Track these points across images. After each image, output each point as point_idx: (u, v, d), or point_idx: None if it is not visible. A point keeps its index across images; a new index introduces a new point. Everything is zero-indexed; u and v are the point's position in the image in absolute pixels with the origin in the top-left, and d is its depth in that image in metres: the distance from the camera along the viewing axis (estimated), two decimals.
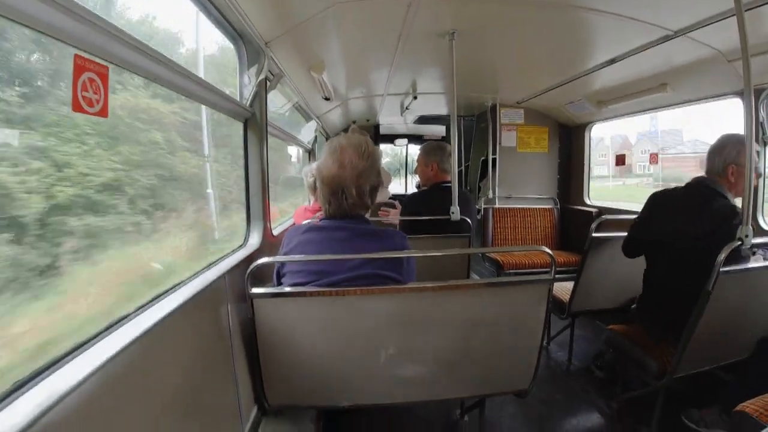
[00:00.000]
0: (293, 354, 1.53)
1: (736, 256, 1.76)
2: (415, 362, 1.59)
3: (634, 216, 2.37)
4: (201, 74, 1.80)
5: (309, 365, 1.55)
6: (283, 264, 1.59)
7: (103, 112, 0.96)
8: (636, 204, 4.32)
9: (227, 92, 1.80)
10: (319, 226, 1.58)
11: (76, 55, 0.90)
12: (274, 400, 1.61)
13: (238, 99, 2.00)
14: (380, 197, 1.76)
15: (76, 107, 0.90)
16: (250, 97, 2.03)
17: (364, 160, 1.51)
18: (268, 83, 2.17)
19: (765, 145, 2.56)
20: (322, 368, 1.56)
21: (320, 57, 2.61)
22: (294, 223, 2.76)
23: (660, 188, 2.29)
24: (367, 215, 1.65)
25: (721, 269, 1.72)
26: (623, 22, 2.09)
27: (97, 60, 0.95)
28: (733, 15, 1.78)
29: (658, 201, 2.22)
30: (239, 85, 2.05)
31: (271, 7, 1.82)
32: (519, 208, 4.58)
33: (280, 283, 1.59)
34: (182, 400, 1.20)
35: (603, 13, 2.03)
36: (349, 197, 1.51)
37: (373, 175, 1.54)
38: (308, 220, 1.96)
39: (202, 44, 2.33)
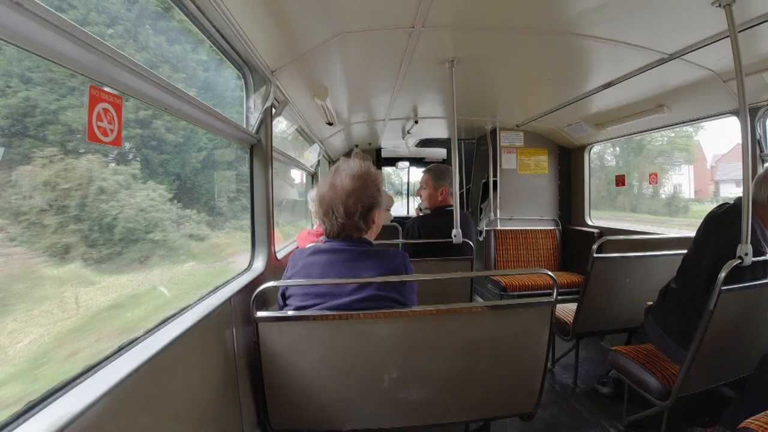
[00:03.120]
0: (297, 377, 1.53)
1: (738, 274, 1.77)
2: (418, 386, 1.58)
3: (636, 236, 2.37)
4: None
5: (312, 389, 1.55)
6: (287, 286, 1.61)
7: (116, 142, 0.99)
8: (642, 225, 4.35)
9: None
10: (323, 249, 1.61)
11: (91, 86, 0.94)
12: (277, 423, 1.60)
13: (243, 126, 2.04)
14: (383, 220, 1.78)
15: (91, 137, 0.93)
16: (256, 124, 2.08)
17: (354, 181, 1.56)
18: (274, 110, 2.22)
19: (763, 163, 2.59)
20: (326, 392, 1.56)
21: (324, 84, 2.67)
22: (297, 246, 2.77)
23: None
24: (366, 235, 1.65)
25: (722, 288, 1.73)
26: (619, 46, 2.15)
27: (111, 90, 0.99)
28: (726, 36, 1.82)
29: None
30: (245, 113, 2.10)
31: (277, 37, 1.88)
32: (521, 230, 4.60)
33: (285, 305, 1.61)
34: (187, 422, 1.20)
35: (599, 39, 2.08)
36: (338, 216, 1.55)
37: (365, 197, 1.57)
38: (313, 244, 1.98)
39: None
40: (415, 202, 7.45)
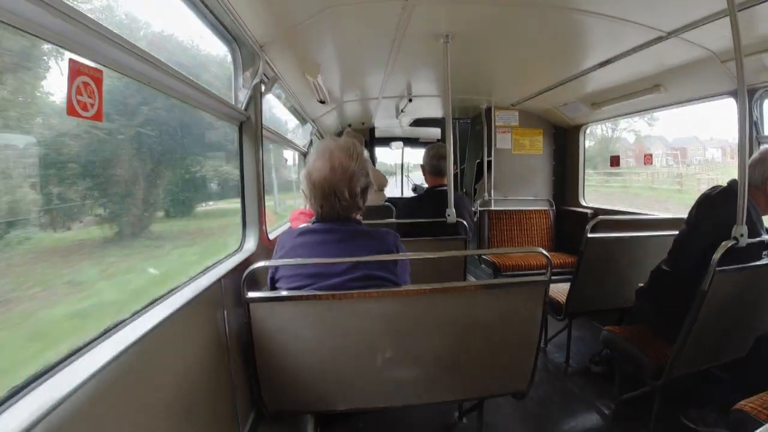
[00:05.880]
0: (290, 358, 1.52)
1: (733, 256, 1.77)
2: (412, 365, 1.58)
3: (629, 216, 2.35)
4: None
5: (306, 369, 1.54)
6: (276, 269, 1.58)
7: (97, 117, 0.95)
8: (630, 205, 4.35)
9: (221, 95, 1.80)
10: (312, 230, 1.58)
11: (70, 59, 0.90)
12: (272, 404, 1.60)
13: (232, 102, 1.99)
14: (377, 200, 1.77)
15: (71, 111, 0.89)
16: (245, 101, 2.03)
17: (354, 161, 1.53)
18: (263, 86, 2.16)
19: (759, 145, 2.58)
20: (319, 372, 1.55)
21: (315, 60, 2.61)
22: (290, 227, 2.75)
23: None
24: (359, 216, 1.65)
25: (717, 268, 1.72)
26: (616, 23, 2.10)
27: (92, 64, 0.95)
28: (726, 15, 1.79)
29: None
30: (234, 89, 2.04)
31: (265, 9, 1.82)
32: (515, 210, 4.59)
33: (274, 289, 1.58)
34: (179, 405, 1.19)
35: (596, 15, 2.04)
36: (342, 199, 1.51)
37: (363, 177, 1.56)
38: (303, 224, 1.96)
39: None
40: (409, 183, 7.42)
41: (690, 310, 1.82)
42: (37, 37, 0.84)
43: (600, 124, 4.27)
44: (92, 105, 0.94)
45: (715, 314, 1.84)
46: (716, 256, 1.72)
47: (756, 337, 1.98)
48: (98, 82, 0.96)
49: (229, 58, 2.04)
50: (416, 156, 8.55)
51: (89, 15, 0.92)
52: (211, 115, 1.85)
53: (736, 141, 1.79)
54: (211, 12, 1.66)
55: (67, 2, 0.84)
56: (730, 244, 1.73)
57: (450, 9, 2.04)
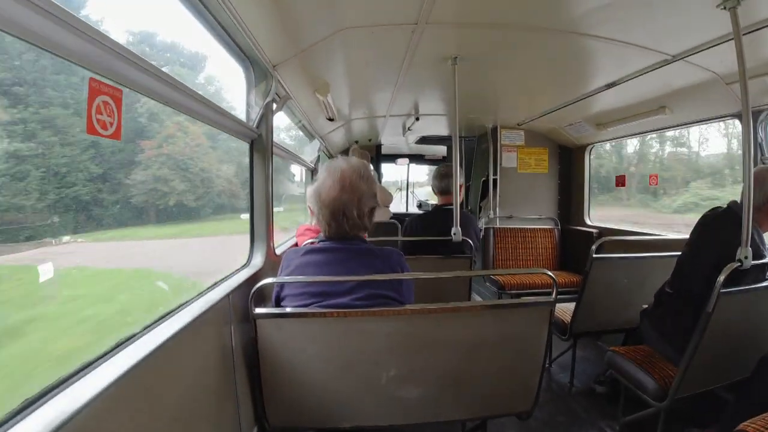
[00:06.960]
0: (295, 374, 1.53)
1: (737, 277, 1.77)
2: (416, 383, 1.58)
3: (635, 237, 2.36)
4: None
5: (310, 386, 1.55)
6: (281, 288, 1.59)
7: (116, 135, 0.98)
8: (636, 226, 4.34)
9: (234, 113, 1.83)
10: (318, 249, 1.59)
11: (91, 79, 0.93)
12: (275, 420, 1.60)
13: (244, 120, 2.03)
14: (382, 217, 1.79)
15: (90, 130, 0.92)
16: (257, 119, 2.06)
17: (364, 182, 1.56)
18: (275, 105, 2.20)
19: None
20: (323, 389, 1.56)
21: (325, 79, 2.66)
22: (296, 243, 2.76)
23: None
24: (364, 234, 1.67)
25: (721, 290, 1.73)
26: (622, 47, 2.13)
27: (111, 83, 0.98)
28: (730, 39, 1.81)
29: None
30: (246, 107, 2.08)
31: (279, 31, 1.87)
32: (520, 228, 4.60)
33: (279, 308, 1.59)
34: (183, 420, 1.20)
35: (602, 39, 2.07)
36: (350, 219, 1.54)
37: (371, 198, 1.58)
38: (309, 239, 1.97)
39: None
40: (414, 199, 7.45)
41: (694, 332, 1.82)
42: (59, 56, 0.87)
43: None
44: (111, 124, 0.97)
45: (720, 336, 1.84)
46: (721, 278, 1.72)
47: (759, 358, 1.97)
48: (118, 101, 0.99)
49: (243, 76, 2.09)
50: (420, 174, 8.61)
51: (110, 36, 0.95)
52: None
53: None
54: (226, 32, 1.70)
55: (91, 24, 0.88)
56: (734, 266, 1.74)
57: (459, 32, 2.08)
